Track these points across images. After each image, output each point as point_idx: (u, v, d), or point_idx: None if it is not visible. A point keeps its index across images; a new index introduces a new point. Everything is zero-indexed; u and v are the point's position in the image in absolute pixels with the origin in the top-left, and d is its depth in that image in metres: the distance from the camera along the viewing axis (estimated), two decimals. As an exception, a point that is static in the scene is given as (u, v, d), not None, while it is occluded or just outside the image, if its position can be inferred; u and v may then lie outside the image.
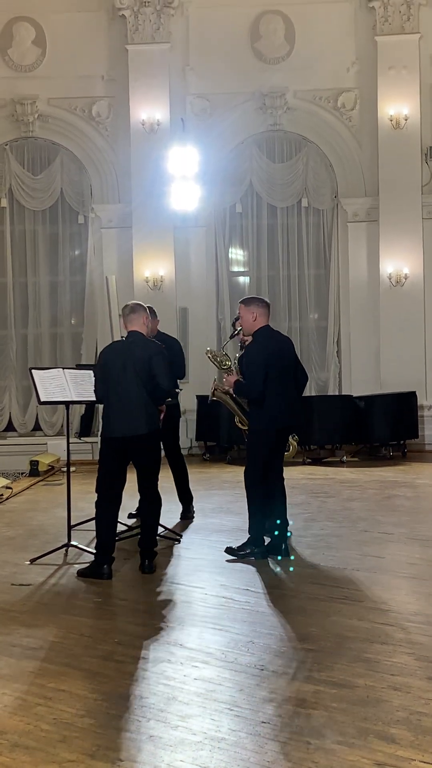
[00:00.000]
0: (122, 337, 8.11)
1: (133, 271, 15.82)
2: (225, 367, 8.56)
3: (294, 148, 16.44)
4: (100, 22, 16.16)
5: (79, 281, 16.51)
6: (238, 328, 8.24)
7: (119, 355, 7.50)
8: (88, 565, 7.50)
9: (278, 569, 7.49)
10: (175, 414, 9.59)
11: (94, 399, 8.09)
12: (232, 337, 8.79)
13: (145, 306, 7.87)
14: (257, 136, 16.43)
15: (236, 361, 8.53)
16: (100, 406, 8.03)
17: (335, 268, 16.40)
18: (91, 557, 7.63)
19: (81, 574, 7.40)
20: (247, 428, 8.26)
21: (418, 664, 5.13)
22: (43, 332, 16.55)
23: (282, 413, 7.79)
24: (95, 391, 7.70)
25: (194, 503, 9.93)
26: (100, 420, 7.98)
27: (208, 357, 8.80)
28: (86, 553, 7.97)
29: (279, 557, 7.76)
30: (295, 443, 8.63)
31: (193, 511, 9.87)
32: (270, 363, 7.69)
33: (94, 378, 7.81)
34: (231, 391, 8.38)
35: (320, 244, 16.52)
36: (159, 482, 7.68)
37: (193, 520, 9.71)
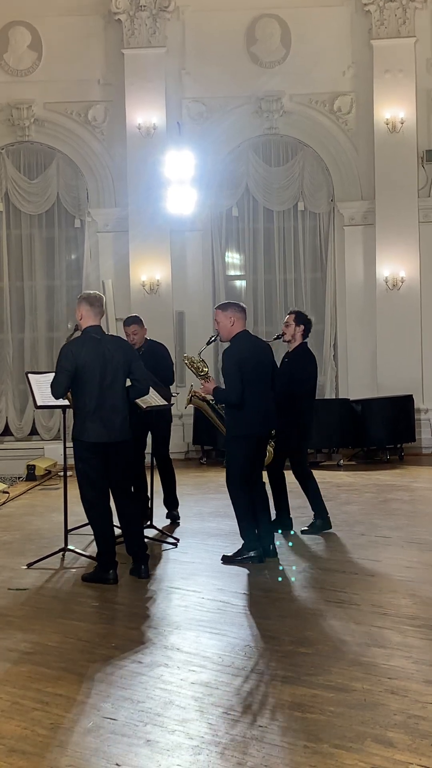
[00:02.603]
0: (75, 330, 7.79)
1: (129, 275, 15.85)
2: (202, 374, 8.52)
3: (290, 151, 16.47)
4: (96, 26, 16.19)
5: (75, 285, 16.51)
6: (215, 334, 8.19)
7: (97, 356, 7.19)
8: (93, 570, 7.42)
9: (275, 573, 7.48)
10: (168, 418, 9.58)
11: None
12: (209, 343, 8.79)
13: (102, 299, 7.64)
14: (253, 140, 16.46)
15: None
16: None
17: (332, 271, 16.42)
18: (90, 561, 7.60)
19: (86, 579, 7.35)
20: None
21: (415, 667, 5.12)
22: (40, 336, 16.56)
23: (258, 419, 7.72)
24: (58, 387, 7.20)
25: (191, 507, 9.90)
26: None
27: (186, 363, 8.77)
28: (83, 557, 7.95)
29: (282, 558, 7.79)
30: (272, 450, 8.59)
31: (179, 516, 9.84)
32: (245, 367, 7.63)
33: (57, 374, 7.23)
34: (209, 398, 8.37)
35: (317, 248, 16.55)
36: (149, 487, 7.60)
37: (179, 523, 9.68)
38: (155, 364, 9.06)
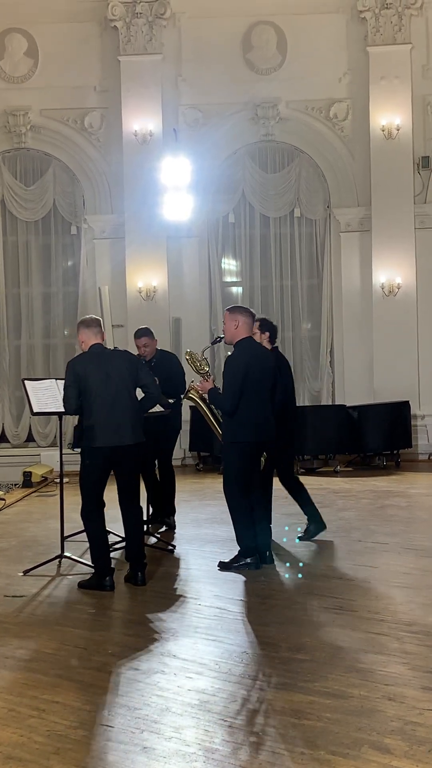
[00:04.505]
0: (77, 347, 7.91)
1: (126, 281, 15.85)
2: (202, 371, 8.49)
3: (286, 158, 16.50)
4: (92, 33, 16.21)
5: (72, 292, 16.53)
6: (221, 335, 8.19)
7: (100, 366, 7.29)
8: (89, 576, 7.40)
9: (271, 579, 7.47)
10: (177, 426, 9.54)
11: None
12: (213, 343, 8.77)
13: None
14: (250, 147, 16.49)
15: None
16: None
17: (328, 278, 16.44)
18: (86, 567, 7.59)
19: (82, 585, 7.33)
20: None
21: (412, 673, 5.11)
22: (36, 343, 16.57)
23: (255, 426, 7.68)
24: (68, 402, 7.33)
25: (188, 513, 9.88)
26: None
27: (187, 359, 8.75)
28: (80, 564, 7.94)
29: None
30: (263, 461, 8.56)
31: (174, 523, 9.79)
32: (247, 375, 7.62)
33: (65, 390, 7.39)
34: (205, 396, 8.35)
35: (313, 254, 16.56)
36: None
37: (175, 530, 9.66)
38: (168, 374, 9.07)
